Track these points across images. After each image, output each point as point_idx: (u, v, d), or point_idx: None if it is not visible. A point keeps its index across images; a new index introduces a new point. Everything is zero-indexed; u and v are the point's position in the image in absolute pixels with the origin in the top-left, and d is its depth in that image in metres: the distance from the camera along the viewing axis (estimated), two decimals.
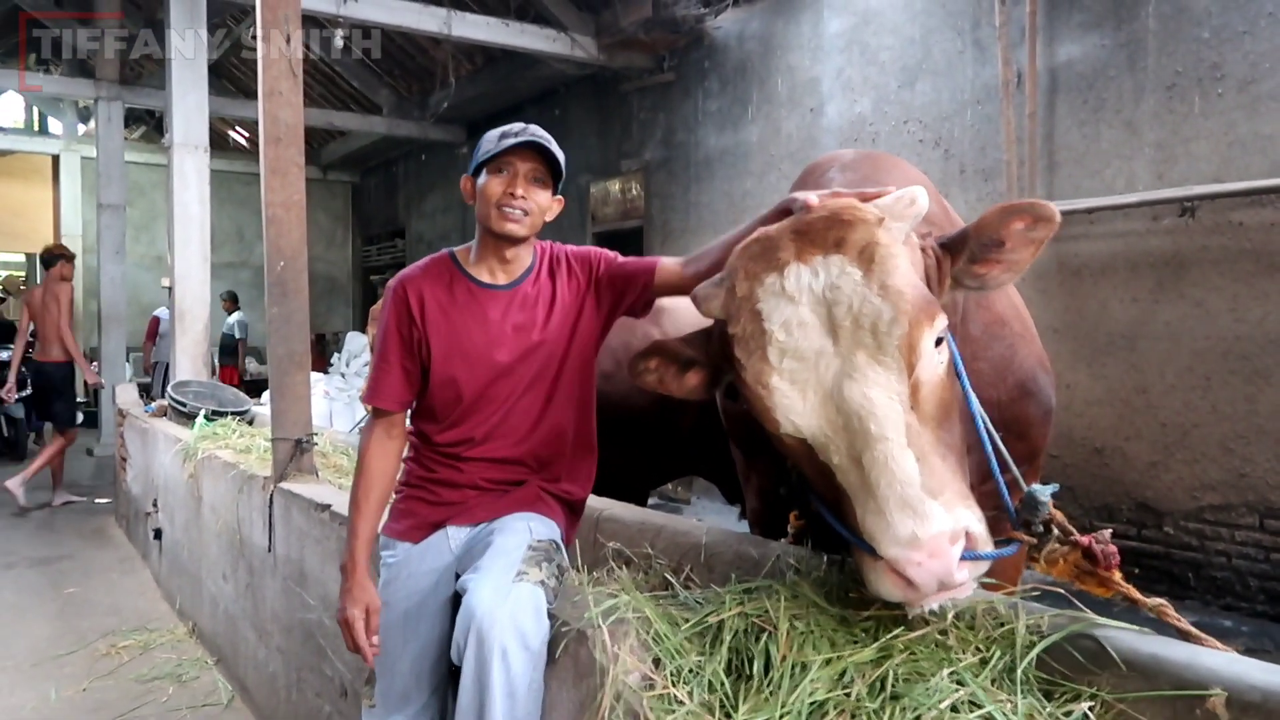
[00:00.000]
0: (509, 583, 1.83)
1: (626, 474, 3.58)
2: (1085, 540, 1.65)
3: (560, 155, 2.16)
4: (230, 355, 13.43)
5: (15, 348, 9.23)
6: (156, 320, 11.53)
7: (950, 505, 1.51)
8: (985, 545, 1.55)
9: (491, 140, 2.13)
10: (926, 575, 1.47)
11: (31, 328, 8.90)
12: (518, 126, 2.14)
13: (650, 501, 4.63)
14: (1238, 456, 5.18)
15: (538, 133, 2.12)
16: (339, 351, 12.49)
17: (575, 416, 2.26)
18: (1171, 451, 5.47)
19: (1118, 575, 1.65)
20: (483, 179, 2.13)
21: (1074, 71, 5.92)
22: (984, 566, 1.56)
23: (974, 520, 1.53)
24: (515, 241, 2.16)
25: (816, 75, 7.85)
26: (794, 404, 1.60)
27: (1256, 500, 5.11)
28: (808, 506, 2.07)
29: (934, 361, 1.62)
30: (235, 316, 13.70)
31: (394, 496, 2.30)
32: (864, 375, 1.56)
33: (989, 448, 1.76)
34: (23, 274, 20.52)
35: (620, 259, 2.31)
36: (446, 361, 2.15)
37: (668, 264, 2.23)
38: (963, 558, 1.50)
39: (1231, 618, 5.13)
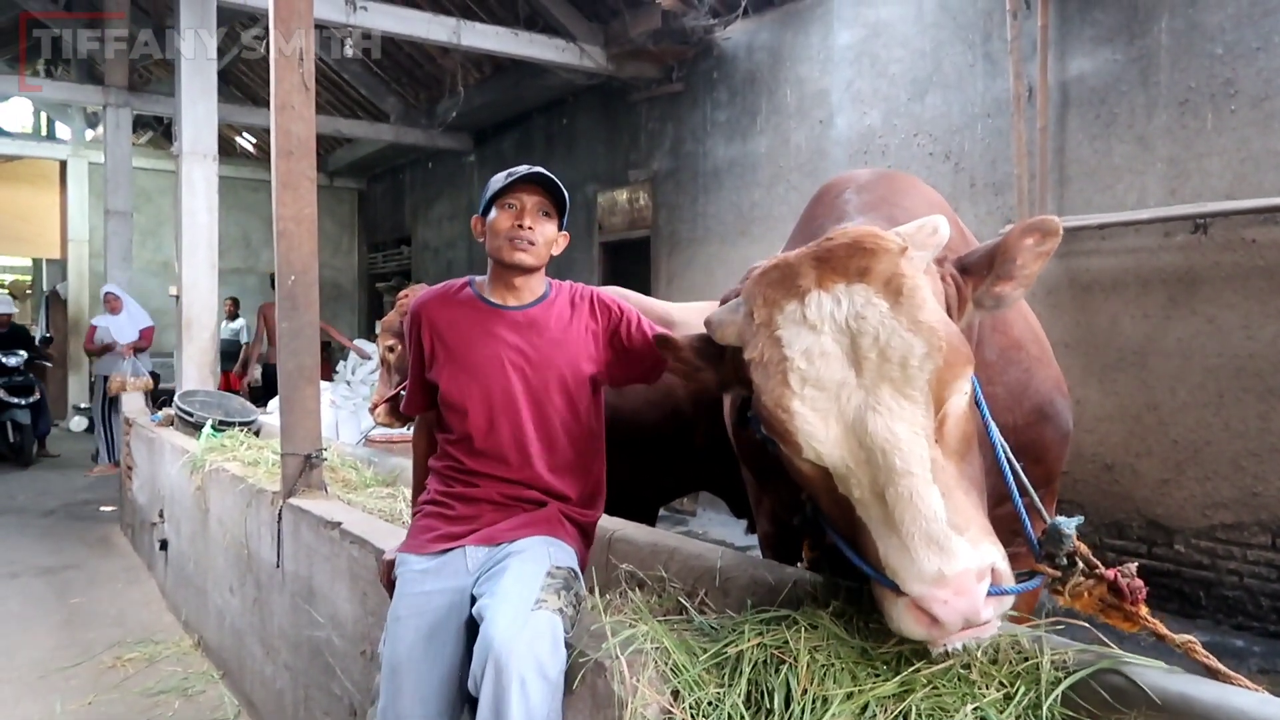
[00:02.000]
0: (527, 611, 1.82)
1: (636, 489, 3.56)
2: (1111, 574, 1.62)
3: (564, 191, 2.28)
4: (233, 361, 13.38)
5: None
6: (93, 329, 10.75)
7: (976, 541, 1.49)
8: (1008, 580, 1.53)
9: (499, 179, 2.26)
10: (952, 613, 1.44)
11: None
12: (524, 166, 2.28)
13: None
14: (1250, 474, 5.15)
15: (542, 170, 2.26)
16: (345, 359, 12.45)
17: (581, 437, 2.28)
18: (1183, 469, 5.44)
19: (1144, 610, 1.62)
20: (492, 215, 2.26)
21: (1086, 86, 5.90)
22: (1009, 603, 1.54)
23: (999, 556, 1.51)
24: (525, 271, 2.27)
25: (826, 87, 7.83)
26: (816, 430, 1.58)
27: (1269, 519, 5.08)
28: (822, 538, 2.04)
29: (960, 395, 1.60)
30: (240, 322, 13.67)
31: (414, 514, 2.33)
32: (889, 409, 1.53)
33: (1008, 475, 1.74)
34: (29, 278, 20.57)
35: (644, 321, 2.36)
36: (454, 378, 2.24)
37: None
38: (988, 594, 1.48)
39: (1243, 637, 5.09)
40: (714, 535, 6.92)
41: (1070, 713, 1.53)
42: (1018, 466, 1.77)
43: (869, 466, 1.54)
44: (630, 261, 10.03)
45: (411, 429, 2.90)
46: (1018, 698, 1.56)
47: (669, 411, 3.67)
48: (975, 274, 1.78)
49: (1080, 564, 1.66)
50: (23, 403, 10.89)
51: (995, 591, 1.50)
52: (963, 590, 1.44)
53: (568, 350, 2.25)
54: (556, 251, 2.32)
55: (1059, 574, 1.67)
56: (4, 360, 10.92)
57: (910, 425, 1.53)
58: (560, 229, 2.31)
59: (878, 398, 1.54)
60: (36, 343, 12.42)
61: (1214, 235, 5.25)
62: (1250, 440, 5.14)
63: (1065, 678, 1.55)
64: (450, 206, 14.46)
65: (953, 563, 1.45)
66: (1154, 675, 1.51)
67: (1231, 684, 1.53)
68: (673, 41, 8.90)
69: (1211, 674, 1.57)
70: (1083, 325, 5.85)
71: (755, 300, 1.69)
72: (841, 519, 1.67)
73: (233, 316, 13.79)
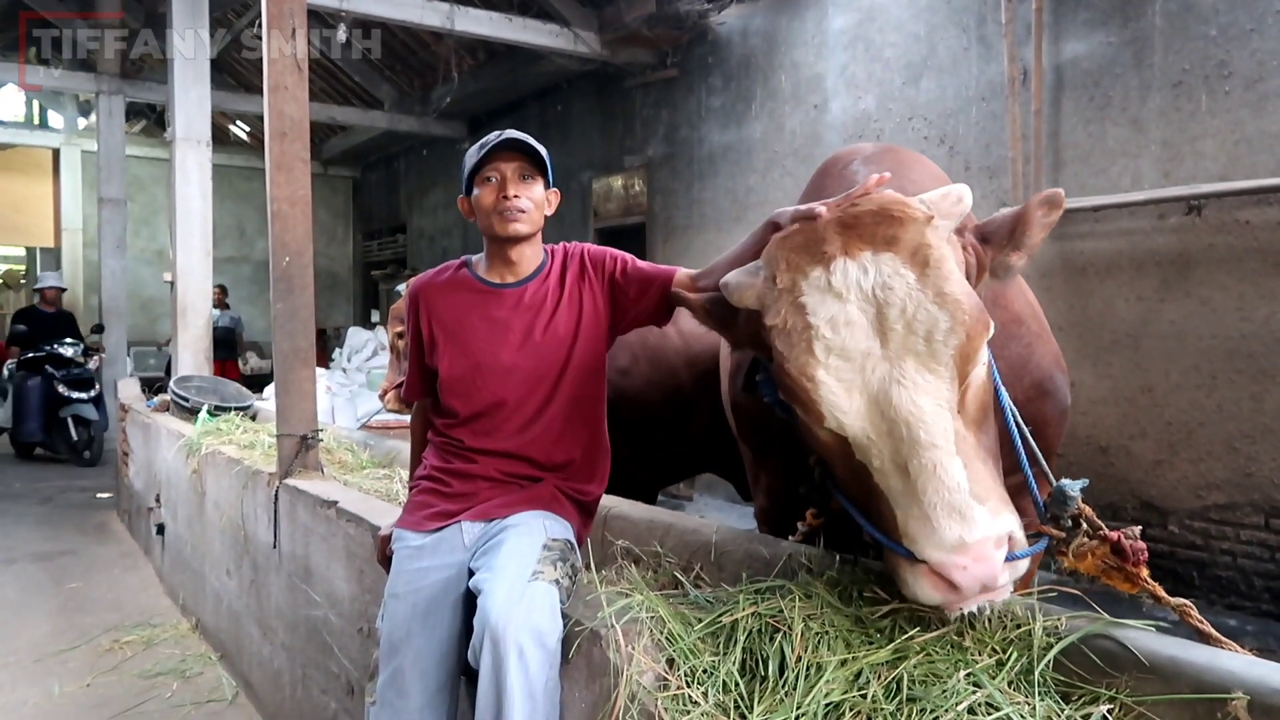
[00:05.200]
0: (524, 582, 1.83)
1: (640, 470, 3.58)
2: (1114, 535, 1.64)
3: (541, 148, 2.22)
4: (226, 349, 13.09)
5: None
6: None
7: (996, 511, 1.49)
8: (1021, 547, 1.55)
9: (473, 154, 2.21)
10: (971, 579, 1.46)
11: None
12: (494, 134, 2.22)
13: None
14: (1243, 456, 5.17)
15: (513, 132, 2.20)
16: (340, 346, 12.46)
17: (583, 413, 2.27)
18: (1176, 450, 5.46)
19: (1145, 571, 1.64)
20: (475, 193, 2.21)
21: (1080, 69, 5.90)
22: (1023, 567, 1.55)
23: (1016, 525, 1.52)
24: (520, 240, 2.22)
25: (821, 72, 7.83)
26: (839, 400, 1.57)
27: (1262, 499, 5.10)
28: (827, 506, 2.05)
29: (980, 366, 1.60)
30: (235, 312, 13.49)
31: (410, 491, 2.33)
32: (913, 382, 1.53)
33: (1018, 443, 1.75)
34: (23, 268, 20.51)
35: (638, 262, 2.32)
36: (453, 359, 2.22)
37: (683, 275, 2.24)
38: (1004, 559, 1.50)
39: (1236, 617, 5.12)
40: (716, 521, 6.94)
41: (1062, 677, 1.55)
42: (1026, 432, 1.79)
43: (891, 438, 1.54)
44: (625, 248, 9.90)
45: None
46: (1009, 663, 1.57)
47: (672, 391, 3.68)
48: (995, 243, 1.78)
49: (1084, 525, 1.68)
50: (85, 397, 9.95)
51: (1009, 557, 1.51)
52: (982, 557, 1.45)
53: (568, 321, 2.22)
54: (549, 211, 2.27)
55: (1063, 535, 1.68)
56: (62, 351, 10.04)
57: (935, 399, 1.53)
58: (548, 186, 2.27)
59: (902, 370, 1.54)
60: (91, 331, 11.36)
61: (1208, 217, 5.26)
62: (1243, 421, 5.16)
63: (1057, 643, 1.57)
64: (445, 194, 14.44)
65: (974, 530, 1.45)
66: (1144, 639, 1.53)
67: (1222, 648, 1.55)
68: (667, 27, 8.88)
69: (1202, 638, 1.59)
70: (1077, 308, 5.87)
71: (778, 265, 1.67)
72: (856, 486, 1.67)
73: (220, 305, 13.47)
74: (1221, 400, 5.25)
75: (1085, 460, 5.81)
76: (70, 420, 10.02)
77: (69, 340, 10.22)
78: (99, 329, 10.98)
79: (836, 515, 2.01)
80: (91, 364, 10.25)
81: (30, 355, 9.99)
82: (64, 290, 10.90)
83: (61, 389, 9.87)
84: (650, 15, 8.71)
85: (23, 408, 9.91)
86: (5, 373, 10.38)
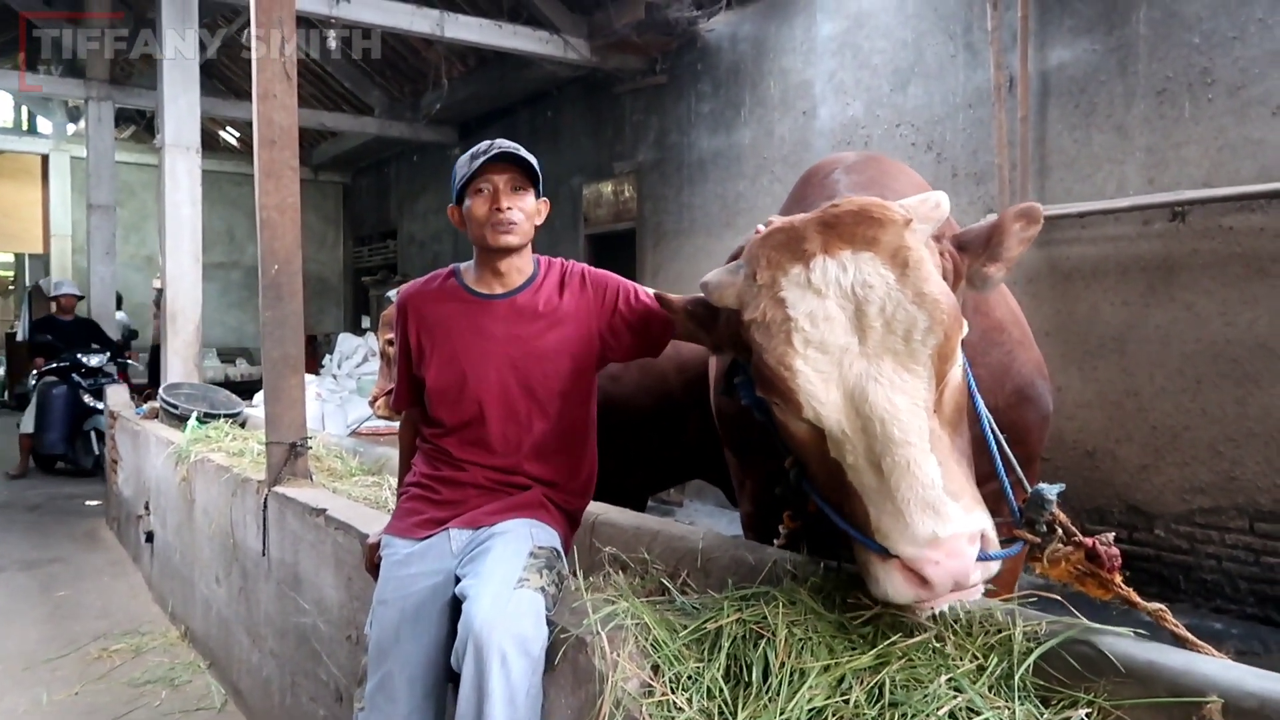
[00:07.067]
0: (509, 589, 1.84)
1: (629, 475, 3.59)
2: (1089, 541, 1.66)
3: (533, 159, 2.21)
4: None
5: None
6: None
7: (969, 508, 1.51)
8: (994, 547, 1.56)
9: (464, 164, 2.20)
10: (943, 574, 1.46)
11: None
12: (485, 144, 2.20)
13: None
14: (1228, 459, 5.21)
15: (505, 144, 2.19)
16: (330, 353, 12.43)
17: (570, 430, 2.27)
18: (1162, 454, 5.49)
19: (1119, 577, 1.66)
20: (467, 203, 2.20)
21: (1065, 76, 5.95)
22: (995, 568, 1.57)
23: (989, 523, 1.54)
24: (511, 252, 2.22)
25: (809, 78, 7.86)
26: (817, 389, 1.58)
27: (1246, 503, 5.14)
28: (804, 508, 2.07)
29: (956, 366, 1.63)
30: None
31: (399, 498, 2.34)
32: (890, 380, 1.55)
33: (994, 449, 1.76)
34: (12, 274, 20.43)
35: (641, 294, 2.31)
36: (440, 369, 2.23)
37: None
38: (977, 558, 1.51)
39: (1222, 620, 5.15)
40: (703, 528, 6.95)
41: (1042, 682, 1.56)
42: (1002, 440, 1.80)
43: (865, 435, 1.55)
44: (615, 254, 10.04)
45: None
46: (990, 668, 1.59)
47: (662, 397, 3.70)
48: (971, 251, 1.81)
49: (1059, 531, 1.69)
50: None
51: (982, 557, 1.52)
52: (954, 553, 1.46)
53: (559, 334, 2.22)
54: (539, 221, 2.27)
55: (1039, 540, 1.70)
56: (85, 360, 9.63)
57: (911, 397, 1.54)
58: (538, 196, 2.25)
59: (879, 369, 1.55)
60: (120, 338, 10.80)
61: (1192, 223, 5.30)
62: (1228, 425, 5.20)
63: (1036, 648, 1.59)
64: (435, 200, 14.44)
65: (946, 526, 1.47)
66: (1122, 644, 1.55)
67: (1198, 652, 1.57)
68: (656, 33, 8.91)
69: (1179, 642, 1.61)
70: (1063, 313, 5.91)
71: (758, 262, 1.69)
72: (830, 483, 1.68)
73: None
74: (1206, 404, 5.29)
75: (1071, 464, 5.84)
76: (93, 433, 9.63)
77: (95, 347, 9.87)
78: (133, 334, 10.64)
79: (813, 518, 2.03)
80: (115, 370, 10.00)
81: (55, 365, 9.65)
82: (80, 297, 10.46)
83: (88, 399, 9.50)
84: (639, 22, 8.73)
85: (46, 417, 9.49)
86: (31, 382, 10.02)
